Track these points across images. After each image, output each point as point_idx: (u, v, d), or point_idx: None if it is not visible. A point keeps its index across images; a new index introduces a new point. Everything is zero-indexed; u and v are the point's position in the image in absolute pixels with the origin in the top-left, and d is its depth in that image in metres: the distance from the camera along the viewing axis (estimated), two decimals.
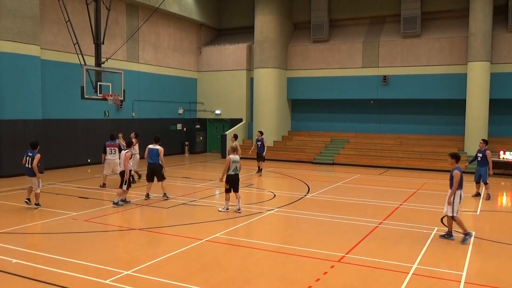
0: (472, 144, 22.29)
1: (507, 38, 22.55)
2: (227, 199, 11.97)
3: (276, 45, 26.60)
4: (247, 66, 28.43)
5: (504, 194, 16.63)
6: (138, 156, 16.89)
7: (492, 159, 20.23)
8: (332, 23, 27.09)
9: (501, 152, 20.33)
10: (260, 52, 26.61)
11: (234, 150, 11.90)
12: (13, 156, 17.67)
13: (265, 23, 26.42)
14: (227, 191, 11.92)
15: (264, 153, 19.82)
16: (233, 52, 28.74)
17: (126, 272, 7.33)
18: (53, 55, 19.99)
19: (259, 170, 19.88)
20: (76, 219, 11.03)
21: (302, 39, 27.74)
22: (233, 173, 11.83)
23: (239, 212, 11.82)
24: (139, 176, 16.80)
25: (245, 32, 29.35)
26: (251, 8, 27.78)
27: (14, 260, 7.85)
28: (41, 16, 19.03)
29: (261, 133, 20.30)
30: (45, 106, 19.29)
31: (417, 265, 7.90)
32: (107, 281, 6.93)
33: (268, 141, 26.88)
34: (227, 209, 11.95)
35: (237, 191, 11.98)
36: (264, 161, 20.07)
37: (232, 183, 11.85)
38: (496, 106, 22.95)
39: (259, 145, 19.84)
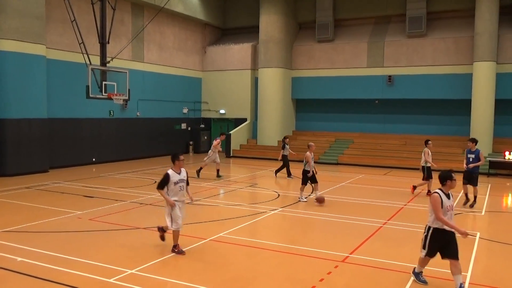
0: (477, 145, 22.11)
1: None
2: None
3: (281, 45, 26.59)
4: (252, 66, 28.43)
5: (510, 194, 16.54)
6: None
7: (498, 159, 20.28)
8: (337, 22, 27.04)
9: (507, 153, 20.23)
10: (264, 52, 26.60)
11: None
12: (18, 155, 17.77)
13: (270, 23, 26.41)
14: None
15: (477, 173, 13.15)
16: (237, 52, 28.75)
17: (130, 271, 7.36)
18: (58, 55, 20.07)
19: (473, 202, 12.99)
20: (81, 218, 11.07)
21: (307, 39, 27.70)
22: None
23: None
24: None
25: (250, 31, 29.35)
26: (256, 7, 27.77)
27: (19, 259, 7.89)
28: (47, 16, 19.12)
29: (475, 141, 13.47)
30: (50, 105, 19.37)
31: None
32: (111, 280, 6.95)
33: (272, 141, 26.91)
34: None
35: None
36: (475, 186, 13.05)
37: None
38: (502, 106, 22.83)
39: (470, 159, 13.07)
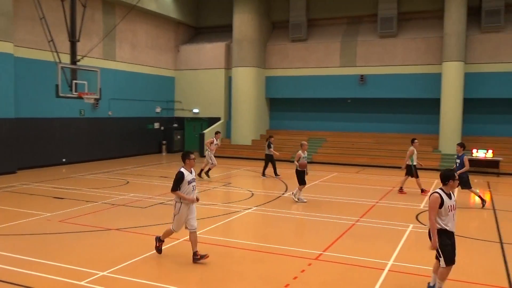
0: (446, 143, 22.77)
1: (480, 39, 23.06)
2: None
3: (254, 44, 26.60)
4: (226, 65, 28.35)
5: (478, 191, 16.94)
6: None
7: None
8: (310, 22, 27.24)
9: (474, 151, 20.81)
10: (238, 51, 26.57)
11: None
12: None
13: (243, 22, 26.38)
14: None
15: (465, 177, 13.13)
16: (211, 51, 28.62)
17: (102, 273, 7.24)
18: (26, 53, 19.56)
19: (482, 201, 13.37)
20: (50, 220, 10.83)
21: (281, 38, 27.81)
22: None
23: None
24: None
25: (223, 30, 29.26)
26: (229, 6, 27.70)
27: None
28: (15, 13, 18.61)
29: (463, 146, 13.49)
30: (18, 105, 18.87)
31: (393, 261, 8.02)
32: (82, 283, 6.82)
33: (247, 140, 26.91)
34: None
35: None
36: (470, 189, 13.36)
37: None
38: (470, 105, 23.45)
39: (457, 164, 13.38)
